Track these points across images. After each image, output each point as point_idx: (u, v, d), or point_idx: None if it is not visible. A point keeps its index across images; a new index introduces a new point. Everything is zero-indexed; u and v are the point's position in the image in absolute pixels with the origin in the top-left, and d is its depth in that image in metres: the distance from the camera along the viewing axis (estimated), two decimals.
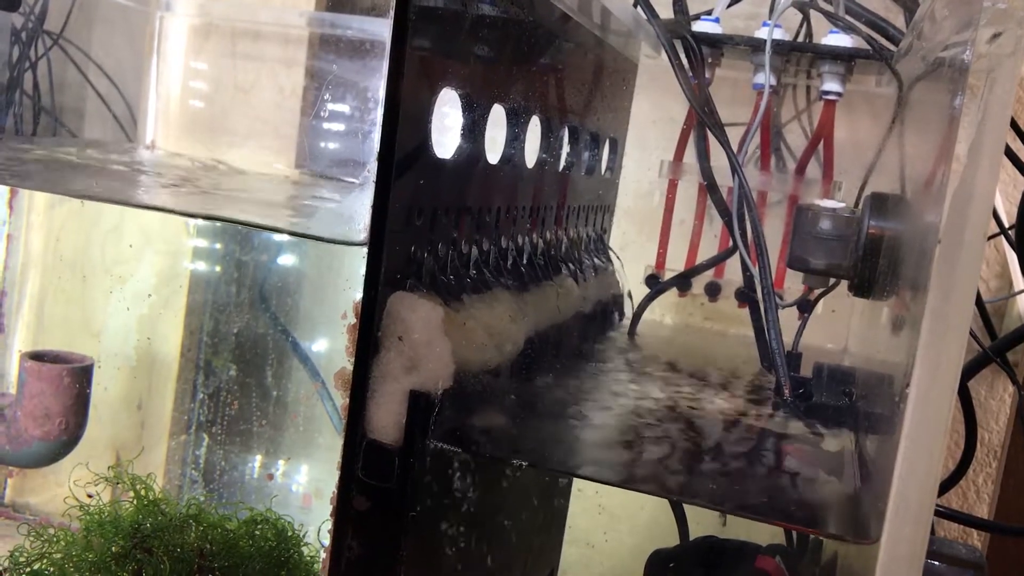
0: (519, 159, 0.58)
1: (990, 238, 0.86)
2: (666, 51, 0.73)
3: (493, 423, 0.47)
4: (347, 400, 0.42)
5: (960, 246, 0.34)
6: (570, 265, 0.70)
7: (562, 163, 0.68)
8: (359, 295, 0.42)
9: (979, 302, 0.82)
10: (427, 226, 0.45)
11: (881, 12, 0.79)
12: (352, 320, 0.42)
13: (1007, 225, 0.85)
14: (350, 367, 0.42)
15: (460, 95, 0.48)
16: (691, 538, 0.68)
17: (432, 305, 0.42)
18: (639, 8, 0.74)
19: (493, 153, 0.54)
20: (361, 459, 0.42)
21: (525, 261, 0.61)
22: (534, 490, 0.65)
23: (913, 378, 0.35)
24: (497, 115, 0.54)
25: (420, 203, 0.44)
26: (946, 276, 0.35)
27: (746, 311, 0.85)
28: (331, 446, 0.96)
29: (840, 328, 0.84)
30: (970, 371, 0.76)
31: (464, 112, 0.49)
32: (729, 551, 0.62)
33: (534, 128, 0.61)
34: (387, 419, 0.42)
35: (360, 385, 0.42)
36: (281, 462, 0.97)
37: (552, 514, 0.75)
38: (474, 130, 0.50)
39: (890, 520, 0.36)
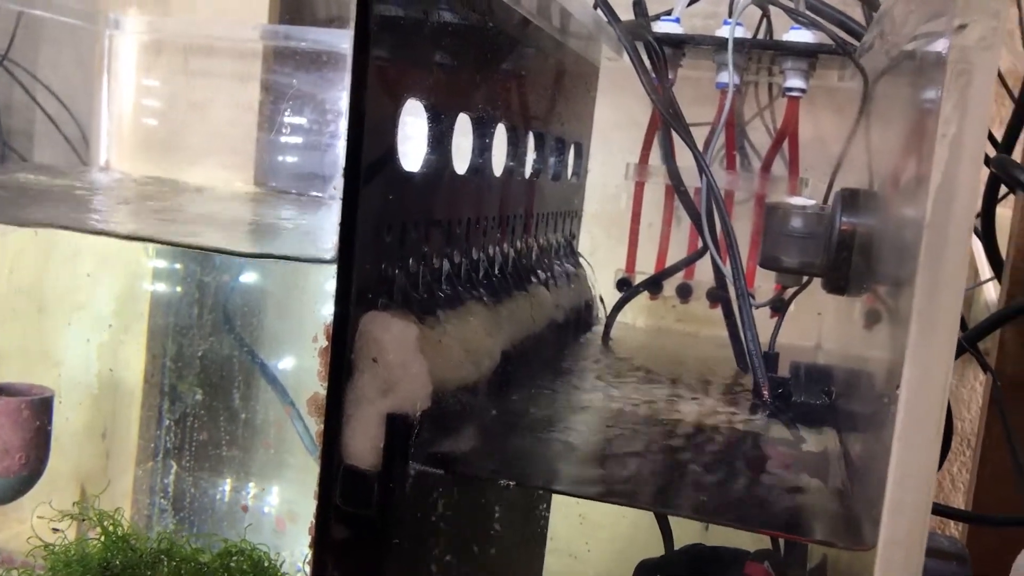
0: (487, 168, 0.57)
1: None
2: (628, 53, 0.72)
3: (473, 442, 0.46)
4: (322, 426, 0.41)
5: (945, 242, 0.34)
6: (541, 273, 0.69)
7: (529, 170, 0.67)
8: (328, 313, 0.40)
9: None
10: (397, 241, 0.44)
11: (838, 6, 0.79)
12: (323, 343, 0.41)
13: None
14: (323, 392, 0.41)
15: (425, 105, 0.47)
16: (675, 544, 0.68)
17: (406, 324, 0.41)
18: (599, 10, 0.73)
19: (460, 163, 0.53)
20: (339, 486, 0.41)
21: (497, 272, 0.60)
22: (515, 504, 0.64)
23: (903, 379, 0.34)
24: (463, 124, 0.53)
25: (389, 218, 0.43)
26: (932, 274, 0.34)
27: (718, 312, 0.84)
28: (303, 467, 0.94)
29: (810, 325, 0.84)
30: None
31: (429, 122, 0.48)
32: (717, 558, 0.62)
33: (500, 136, 0.59)
34: (364, 444, 0.40)
35: (335, 410, 0.40)
36: (252, 486, 0.95)
37: (534, 526, 0.74)
38: (440, 140, 0.49)
39: (886, 526, 0.35)
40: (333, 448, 0.40)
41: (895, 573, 0.35)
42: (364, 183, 0.40)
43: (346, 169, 0.40)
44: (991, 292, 0.97)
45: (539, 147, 0.69)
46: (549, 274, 0.71)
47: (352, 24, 0.40)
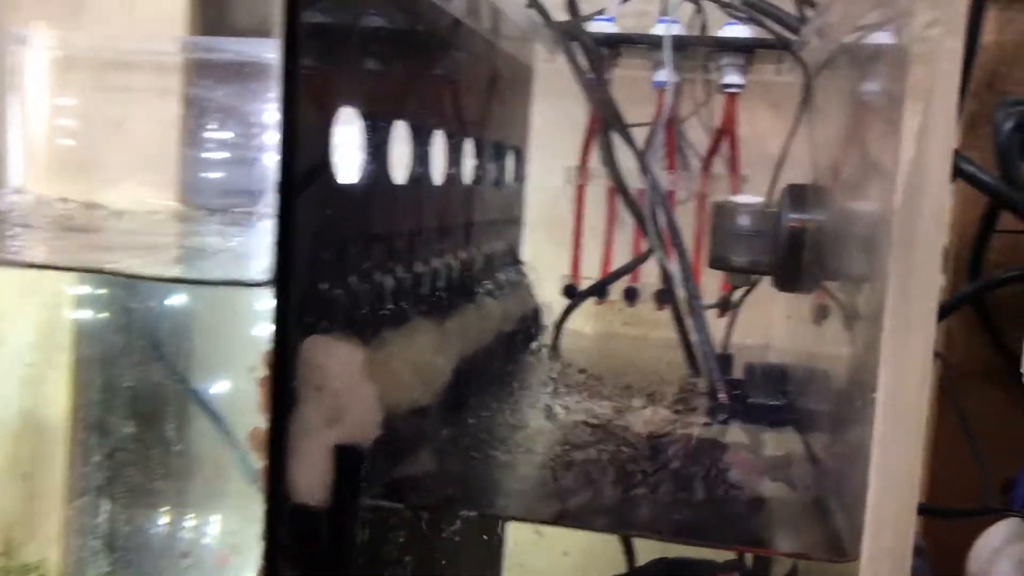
0: (426, 177, 0.55)
1: None
2: (564, 54, 0.71)
3: (428, 469, 0.43)
4: (265, 462, 0.38)
5: (916, 238, 0.32)
6: (486, 284, 0.67)
7: (469, 177, 0.65)
8: (261, 335, 0.37)
9: None
10: (336, 259, 0.41)
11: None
12: (262, 372, 0.38)
13: None
14: (264, 425, 0.38)
15: (360, 113, 0.44)
16: (637, 557, 0.66)
17: (351, 347, 0.38)
18: (533, 11, 0.71)
19: (399, 172, 0.50)
20: (287, 526, 0.38)
21: (441, 285, 0.57)
22: (471, 526, 0.61)
23: (880, 382, 0.33)
24: (400, 132, 0.50)
25: (327, 234, 0.40)
26: (904, 271, 0.32)
27: (666, 314, 0.83)
28: (242, 493, 0.90)
29: (758, 324, 0.83)
30: None
31: (365, 131, 0.45)
32: (686, 572, 0.60)
33: (438, 143, 0.57)
34: (312, 478, 0.38)
35: (278, 444, 0.37)
36: (191, 519, 0.91)
37: (490, 546, 0.71)
38: (377, 149, 0.46)
39: (869, 535, 0.33)
40: (279, 485, 0.37)
41: None
42: (299, 198, 0.37)
43: (279, 185, 0.37)
44: None
45: (478, 153, 0.67)
46: (494, 284, 0.69)
47: (278, 32, 0.37)
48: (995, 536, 0.69)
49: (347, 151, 0.44)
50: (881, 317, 0.33)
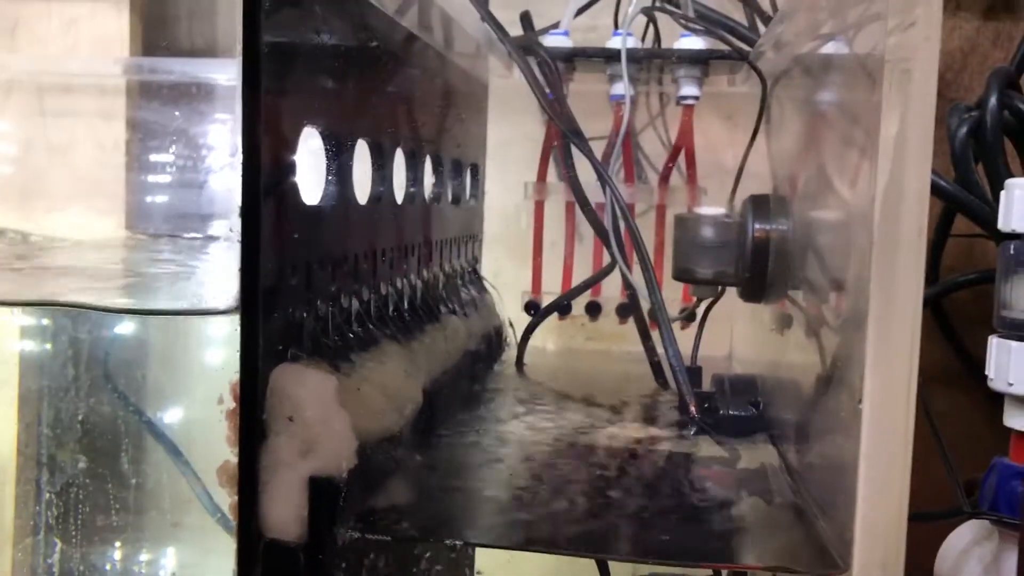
0: (388, 196, 0.53)
1: None
2: (521, 69, 0.70)
3: (403, 498, 0.42)
4: (234, 498, 0.36)
5: (897, 244, 0.32)
6: (450, 303, 0.66)
7: (429, 195, 0.64)
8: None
9: None
10: (303, 283, 0.40)
11: (719, 10, 0.78)
12: (230, 404, 0.36)
13: None
14: (233, 459, 0.36)
15: (322, 133, 0.43)
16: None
17: (322, 375, 0.37)
18: (488, 26, 0.70)
19: (360, 192, 0.49)
20: (261, 564, 0.36)
21: (407, 306, 0.56)
22: (442, 552, 0.60)
23: (865, 391, 0.32)
24: (360, 151, 0.49)
25: (293, 258, 0.39)
26: (887, 278, 0.32)
27: (628, 327, 0.82)
28: (199, 527, 0.88)
29: (720, 336, 0.83)
30: None
31: (328, 151, 0.44)
32: None
33: (398, 161, 0.56)
34: (285, 513, 0.36)
35: (249, 478, 0.36)
36: (146, 553, 0.88)
37: (461, 568, 0.70)
38: (340, 169, 0.45)
39: (860, 548, 0.33)
40: (250, 522, 0.36)
41: None
42: (265, 222, 0.36)
43: (243, 208, 0.35)
44: None
45: (437, 170, 0.66)
46: (457, 302, 0.68)
47: (237, 52, 0.36)
48: (962, 537, 0.69)
49: (308, 172, 0.42)
50: (863, 324, 0.33)
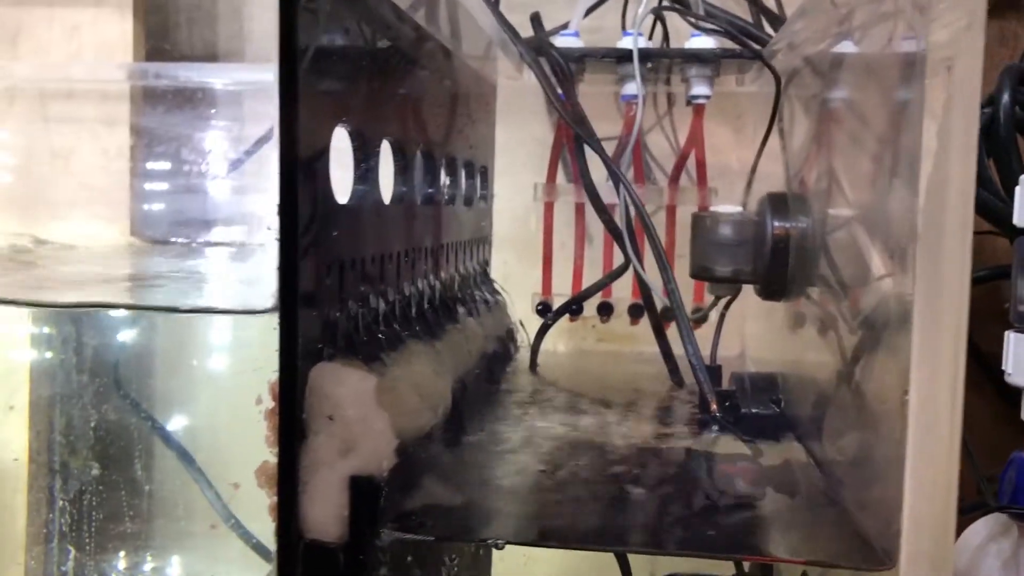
0: (410, 196, 0.53)
1: None
2: (533, 71, 0.70)
3: (437, 496, 0.42)
4: (274, 498, 0.36)
5: (942, 235, 0.32)
6: (466, 304, 0.66)
7: (446, 196, 0.64)
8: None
9: None
10: (336, 282, 0.40)
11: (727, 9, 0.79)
12: (269, 404, 0.36)
13: None
14: (273, 459, 0.36)
15: (350, 132, 0.43)
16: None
17: (361, 374, 0.37)
18: (499, 27, 0.70)
19: (386, 193, 0.49)
20: (301, 565, 0.36)
21: (427, 307, 0.56)
22: (465, 552, 0.60)
23: (911, 382, 0.32)
24: (385, 151, 0.49)
25: (328, 257, 0.39)
26: (932, 270, 0.32)
27: (639, 328, 0.82)
28: (208, 533, 0.87)
29: (731, 335, 0.83)
30: None
31: (356, 150, 0.44)
32: None
33: (418, 161, 0.56)
34: (326, 513, 0.36)
35: (289, 479, 0.36)
36: (154, 560, 0.87)
37: (481, 570, 0.70)
38: (367, 168, 0.45)
39: (906, 540, 0.33)
40: (290, 522, 0.36)
41: None
42: (303, 221, 0.36)
43: (281, 207, 0.35)
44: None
45: (451, 171, 0.66)
46: (472, 304, 0.68)
47: (276, 52, 0.35)
48: (977, 533, 0.70)
49: (338, 171, 0.42)
50: (908, 316, 0.33)
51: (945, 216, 0.32)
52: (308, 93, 0.36)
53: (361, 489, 0.36)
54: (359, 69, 0.43)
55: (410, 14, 0.51)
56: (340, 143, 0.42)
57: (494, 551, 0.75)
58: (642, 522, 0.42)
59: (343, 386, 0.36)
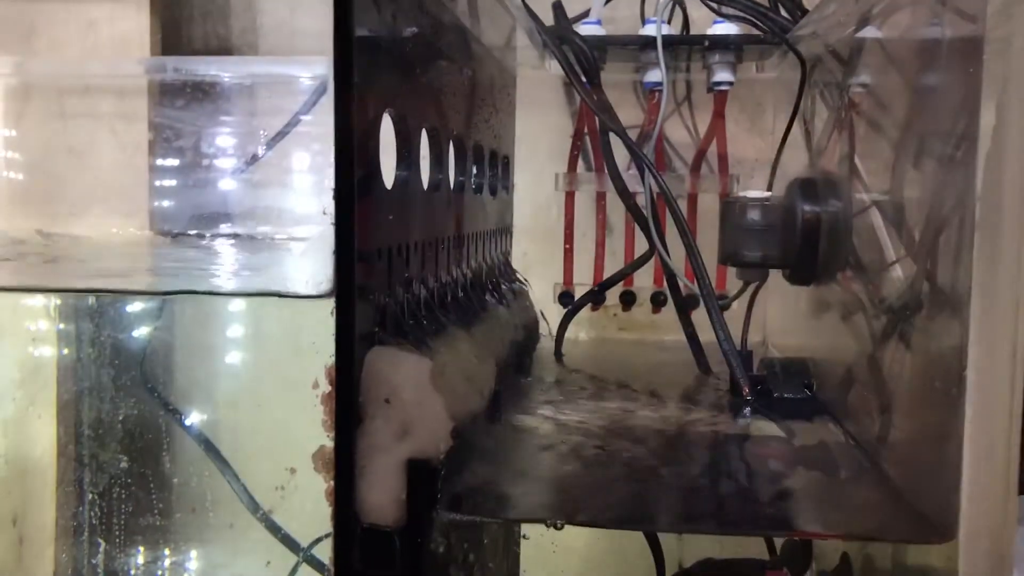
0: (445, 185, 0.54)
1: None
2: (558, 60, 0.70)
3: (489, 478, 0.42)
4: (331, 483, 0.36)
5: (1000, 214, 0.32)
6: (495, 293, 0.66)
7: (474, 185, 0.64)
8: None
9: None
10: (386, 268, 0.40)
11: None
12: (326, 388, 0.36)
13: None
14: (329, 444, 0.36)
15: (394, 119, 0.43)
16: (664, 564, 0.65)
17: (417, 358, 0.37)
18: (523, 17, 0.70)
19: (424, 180, 0.49)
20: (359, 549, 0.36)
21: (461, 294, 0.56)
22: (497, 536, 0.60)
23: (969, 361, 0.33)
24: (423, 139, 0.49)
25: (378, 242, 0.39)
26: (990, 248, 0.32)
27: (661, 316, 0.83)
28: (232, 525, 0.87)
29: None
30: None
31: (398, 137, 0.44)
32: (735, 570, 0.59)
33: (451, 150, 0.56)
34: (383, 497, 0.36)
35: (346, 463, 0.36)
36: (180, 553, 0.87)
37: (511, 557, 0.70)
38: (409, 156, 0.45)
39: (965, 515, 0.33)
40: (348, 506, 0.36)
41: (981, 563, 0.33)
42: (358, 205, 0.36)
43: (336, 193, 0.35)
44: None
45: (478, 161, 0.66)
46: (499, 293, 0.68)
47: (331, 43, 0.36)
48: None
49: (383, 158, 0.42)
50: (966, 295, 0.33)
51: (1003, 193, 0.32)
52: (360, 82, 0.36)
53: (419, 472, 0.36)
54: (402, 57, 0.43)
55: (444, 3, 0.51)
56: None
57: (522, 539, 0.75)
58: (689, 504, 0.43)
59: (400, 369, 0.36)
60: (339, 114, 0.35)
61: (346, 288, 0.35)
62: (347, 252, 0.35)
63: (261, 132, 0.98)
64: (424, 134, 0.50)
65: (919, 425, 0.39)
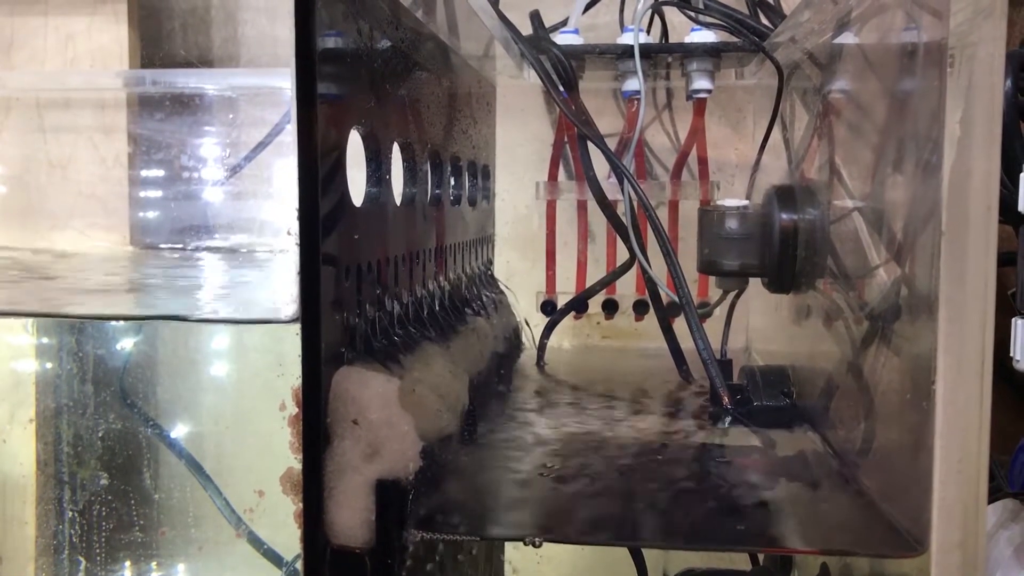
0: (420, 198, 0.53)
1: None
2: (535, 69, 0.70)
3: (463, 497, 0.42)
4: (299, 505, 0.36)
5: (967, 222, 0.32)
6: (474, 304, 0.66)
7: (452, 197, 0.64)
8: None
9: None
10: (355, 286, 0.40)
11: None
12: (293, 410, 0.36)
13: None
14: (297, 465, 0.36)
15: (363, 135, 0.43)
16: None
17: (385, 377, 0.37)
18: (500, 27, 0.70)
19: (397, 195, 0.49)
20: (328, 570, 0.36)
21: (438, 308, 0.56)
22: (480, 550, 0.60)
23: (938, 372, 0.32)
24: (395, 153, 0.49)
25: (346, 260, 0.39)
26: (957, 257, 0.32)
27: (643, 324, 0.82)
28: (215, 540, 0.87)
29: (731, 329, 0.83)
30: None
31: (368, 153, 0.44)
32: None
33: (426, 163, 0.56)
34: (352, 518, 0.36)
35: (314, 484, 0.35)
36: (164, 570, 0.87)
37: (495, 569, 0.69)
38: (379, 171, 0.44)
39: (936, 528, 0.33)
40: (316, 528, 0.36)
41: (953, 575, 0.33)
42: (324, 225, 0.35)
43: (301, 212, 0.35)
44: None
45: (456, 172, 0.66)
46: (480, 304, 0.68)
47: (292, 58, 0.35)
48: (989, 518, 0.70)
49: (351, 174, 0.42)
50: (934, 305, 0.33)
51: (969, 203, 0.32)
52: (326, 96, 0.36)
53: (388, 493, 0.36)
54: (372, 71, 0.43)
55: (418, 16, 0.51)
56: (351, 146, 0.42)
57: (505, 551, 0.75)
58: (664, 518, 0.42)
59: (367, 389, 0.36)
60: (302, 131, 0.35)
61: (312, 310, 0.35)
62: (312, 273, 0.35)
63: (241, 143, 0.97)
64: (397, 148, 0.49)
65: (893, 436, 0.39)
